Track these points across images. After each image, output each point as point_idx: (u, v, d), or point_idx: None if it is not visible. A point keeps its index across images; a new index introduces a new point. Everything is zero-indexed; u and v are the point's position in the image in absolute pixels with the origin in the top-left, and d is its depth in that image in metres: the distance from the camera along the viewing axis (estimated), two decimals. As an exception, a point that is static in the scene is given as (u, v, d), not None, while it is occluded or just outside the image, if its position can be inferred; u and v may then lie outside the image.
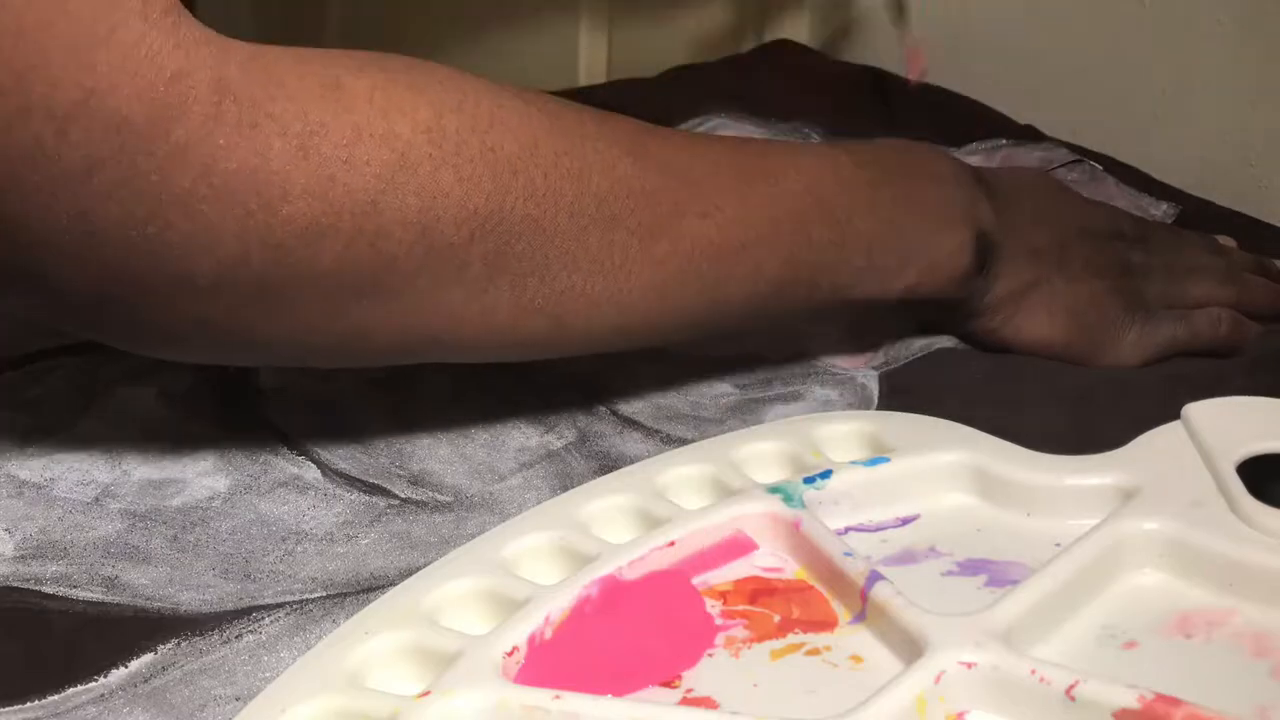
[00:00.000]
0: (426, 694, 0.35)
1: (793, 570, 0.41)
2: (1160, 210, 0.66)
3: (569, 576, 0.40)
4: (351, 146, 0.38)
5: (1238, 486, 0.42)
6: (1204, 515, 0.41)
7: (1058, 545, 0.41)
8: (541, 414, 0.50)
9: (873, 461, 0.44)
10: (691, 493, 0.44)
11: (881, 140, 0.53)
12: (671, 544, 0.41)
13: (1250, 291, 0.56)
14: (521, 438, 0.48)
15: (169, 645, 0.39)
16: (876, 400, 0.51)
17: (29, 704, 0.37)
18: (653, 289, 0.44)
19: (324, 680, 0.36)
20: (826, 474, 0.43)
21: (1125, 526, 0.41)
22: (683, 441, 0.48)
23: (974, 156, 0.71)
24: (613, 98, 0.76)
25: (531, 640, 0.37)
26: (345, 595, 0.41)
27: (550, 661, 0.37)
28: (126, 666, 0.38)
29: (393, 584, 0.40)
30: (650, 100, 0.75)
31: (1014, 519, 0.43)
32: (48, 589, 0.41)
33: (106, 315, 0.39)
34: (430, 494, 0.46)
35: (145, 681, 0.38)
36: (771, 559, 0.42)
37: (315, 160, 0.37)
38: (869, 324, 0.54)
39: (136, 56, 0.35)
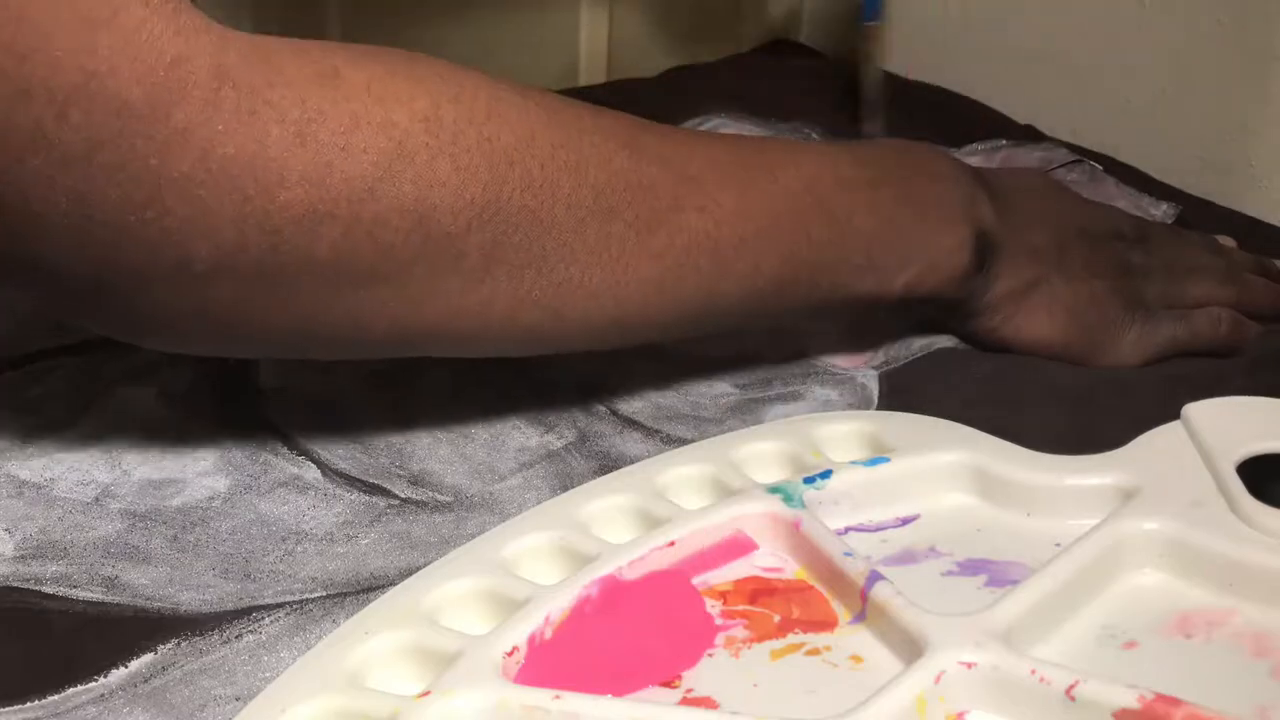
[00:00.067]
0: (426, 694, 0.35)
1: (793, 570, 0.41)
2: (1160, 210, 0.66)
3: (569, 576, 0.40)
4: (349, 134, 0.38)
5: (1238, 486, 0.42)
6: (1204, 515, 0.41)
7: (1058, 545, 0.41)
8: (541, 414, 0.50)
9: (873, 461, 0.44)
10: (691, 493, 0.44)
11: (881, 140, 0.53)
12: (671, 544, 0.41)
13: (1250, 291, 0.56)
14: (521, 438, 0.48)
15: (169, 645, 0.39)
16: (876, 400, 0.51)
17: (29, 704, 0.37)
18: (650, 282, 0.44)
19: (324, 680, 0.36)
20: (826, 474, 0.43)
21: (1125, 526, 0.41)
22: (683, 441, 0.48)
23: (974, 157, 0.71)
24: (612, 97, 0.76)
25: (531, 640, 0.37)
26: (345, 595, 0.41)
27: (550, 661, 0.37)
28: (126, 666, 0.38)
29: (393, 584, 0.40)
30: (650, 100, 0.75)
31: (1014, 519, 0.43)
32: (48, 589, 0.41)
33: (104, 303, 0.40)
34: (430, 494, 0.46)
35: (145, 681, 0.38)
36: (771, 559, 0.42)
37: (313, 147, 0.38)
38: (869, 324, 0.54)
39: (137, 41, 0.35)
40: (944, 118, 0.74)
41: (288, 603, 0.41)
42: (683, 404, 0.51)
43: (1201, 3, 0.70)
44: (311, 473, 0.46)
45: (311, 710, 0.35)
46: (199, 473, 0.46)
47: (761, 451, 0.45)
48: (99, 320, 0.41)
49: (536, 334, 0.44)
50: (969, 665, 0.36)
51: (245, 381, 0.50)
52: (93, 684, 0.38)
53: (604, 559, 0.40)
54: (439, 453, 0.48)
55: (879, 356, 0.54)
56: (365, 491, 0.46)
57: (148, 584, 0.41)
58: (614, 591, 0.40)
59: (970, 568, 0.41)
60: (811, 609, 0.40)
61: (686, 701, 0.37)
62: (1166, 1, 0.72)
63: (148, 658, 0.38)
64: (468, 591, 0.39)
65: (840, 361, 0.54)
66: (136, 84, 0.35)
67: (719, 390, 0.52)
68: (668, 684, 0.37)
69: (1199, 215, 0.66)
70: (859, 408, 0.51)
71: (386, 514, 0.45)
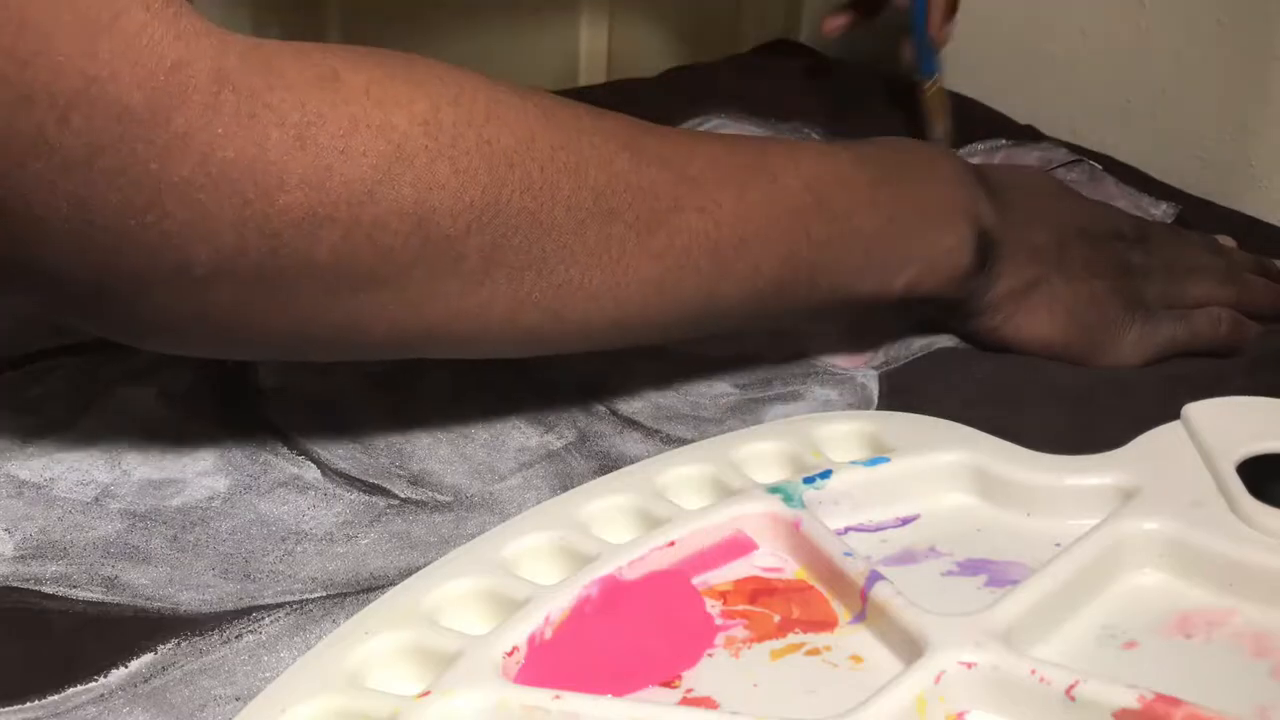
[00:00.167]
0: (426, 694, 0.35)
1: (793, 570, 0.41)
2: (1160, 210, 0.66)
3: (569, 576, 0.40)
4: (348, 137, 0.38)
5: (1238, 486, 0.42)
6: (1204, 515, 0.41)
7: (1058, 545, 0.41)
8: (541, 414, 0.50)
9: (873, 461, 0.44)
10: (691, 493, 0.44)
11: (882, 138, 0.53)
12: (671, 544, 0.41)
13: (1250, 291, 0.56)
14: (521, 438, 0.48)
15: (169, 645, 0.39)
16: (876, 400, 0.51)
17: (29, 704, 0.37)
18: (651, 283, 0.44)
19: (324, 680, 0.36)
20: (826, 474, 0.43)
21: (1125, 526, 0.41)
22: (683, 441, 0.48)
23: (974, 157, 0.71)
24: (612, 97, 0.76)
25: (531, 640, 0.37)
26: (345, 595, 0.41)
27: (550, 661, 0.37)
28: (126, 666, 0.38)
29: (393, 584, 0.40)
30: (650, 100, 0.75)
31: (1014, 519, 0.43)
32: (48, 589, 0.41)
33: (104, 307, 0.40)
34: (430, 494, 0.46)
35: (145, 681, 0.38)
36: (771, 559, 0.42)
37: (312, 150, 0.38)
38: (869, 323, 0.54)
39: (138, 45, 0.35)
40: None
41: (288, 603, 0.41)
42: (683, 404, 0.51)
43: (1201, 3, 0.70)
44: (311, 473, 0.46)
45: (311, 710, 0.35)
46: (199, 473, 0.46)
47: (761, 451, 0.45)
48: (98, 323, 0.41)
49: (536, 335, 0.44)
50: (969, 665, 0.36)
51: (245, 382, 0.50)
52: (93, 684, 0.38)
53: (604, 559, 0.40)
54: (439, 453, 0.48)
55: (879, 356, 0.54)
56: (365, 491, 0.46)
57: (148, 584, 0.41)
58: (614, 591, 0.40)
59: (970, 568, 0.41)
60: (811, 609, 0.40)
61: (686, 701, 0.37)
62: (1166, 1, 0.72)
63: (148, 658, 0.38)
64: (468, 591, 0.39)
65: (840, 361, 0.54)
66: (137, 89, 0.35)
67: (719, 390, 0.52)
68: (668, 684, 0.37)
69: (1199, 215, 0.66)
70: (859, 408, 0.51)
71: (386, 514, 0.45)
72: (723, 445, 0.46)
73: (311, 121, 0.38)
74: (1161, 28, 0.72)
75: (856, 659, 0.38)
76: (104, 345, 0.51)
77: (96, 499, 0.45)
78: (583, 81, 0.86)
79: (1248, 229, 0.64)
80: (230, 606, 0.40)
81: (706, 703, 0.36)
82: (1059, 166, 0.70)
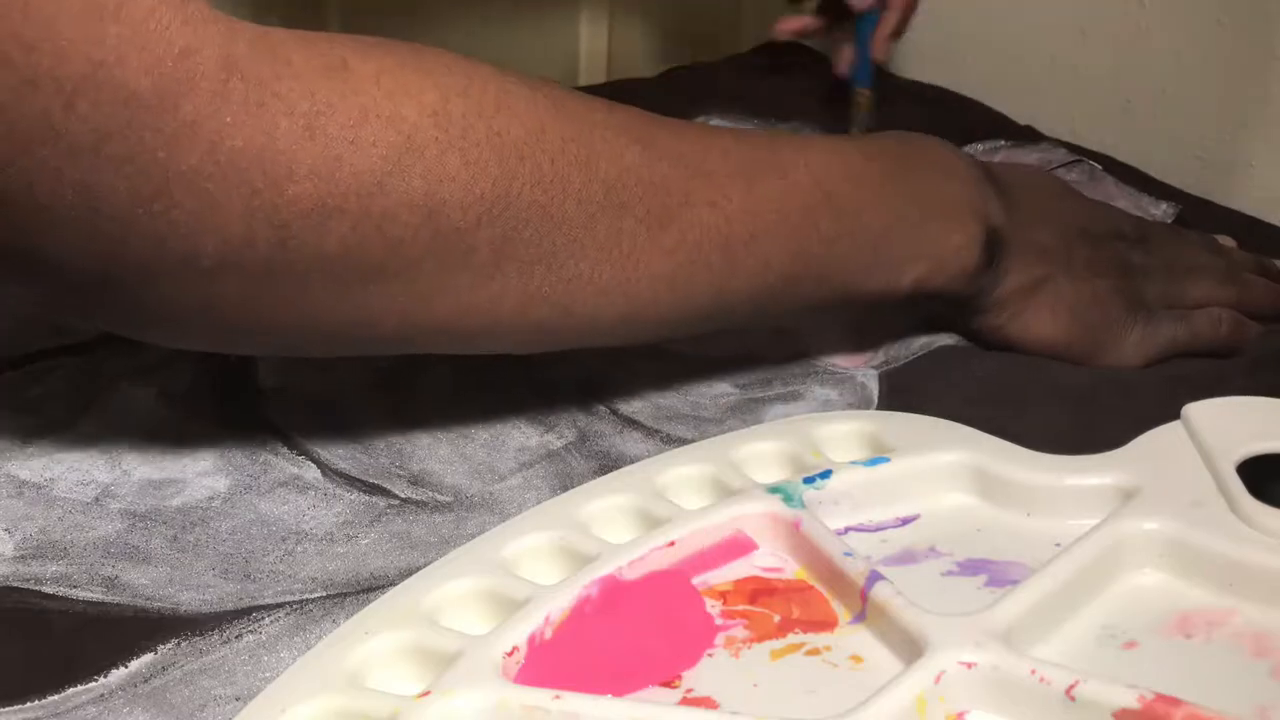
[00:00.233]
0: (426, 694, 0.35)
1: (793, 570, 0.41)
2: (1160, 210, 0.66)
3: (569, 576, 0.40)
4: (358, 127, 0.38)
5: (1238, 486, 0.42)
6: (1204, 515, 0.41)
7: (1058, 545, 0.41)
8: (541, 414, 0.50)
9: (873, 461, 0.44)
10: (691, 493, 0.44)
11: (891, 132, 0.53)
12: (671, 544, 0.41)
13: (1251, 292, 0.56)
14: (521, 437, 0.48)
15: (169, 645, 0.39)
16: (876, 400, 0.51)
17: (29, 704, 0.37)
18: (661, 278, 0.44)
19: (324, 680, 0.36)
20: (826, 474, 0.43)
21: (1125, 526, 0.41)
22: (683, 441, 0.48)
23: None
24: (612, 98, 0.76)
25: (531, 640, 0.37)
26: (345, 595, 0.41)
27: (550, 661, 0.37)
28: (126, 666, 0.38)
29: (393, 584, 0.40)
30: (650, 100, 0.74)
31: (1014, 519, 0.43)
32: (48, 589, 0.41)
33: (108, 298, 0.39)
34: (430, 494, 0.46)
35: (145, 681, 0.38)
36: (771, 559, 0.42)
37: (321, 140, 0.37)
38: (871, 321, 0.54)
39: (146, 30, 0.35)
40: (943, 117, 0.74)
41: (288, 603, 0.41)
42: (683, 404, 0.51)
43: (1201, 3, 0.70)
44: (311, 473, 0.46)
45: (311, 710, 0.35)
46: (199, 473, 0.46)
47: (761, 451, 0.45)
48: (102, 315, 0.41)
49: (546, 330, 0.43)
50: (969, 665, 0.36)
51: (245, 381, 0.50)
52: (93, 684, 0.38)
53: (604, 559, 0.40)
54: (439, 453, 0.48)
55: (879, 356, 0.54)
56: (365, 491, 0.46)
57: (148, 584, 0.41)
58: (614, 591, 0.39)
59: (970, 568, 0.41)
60: (811, 609, 0.40)
61: (686, 701, 0.37)
62: (1166, 1, 0.72)
63: (148, 658, 0.38)
64: (468, 591, 0.39)
65: (840, 361, 0.54)
66: (145, 75, 0.35)
67: (719, 390, 0.52)
68: (668, 684, 0.37)
69: (1199, 215, 0.66)
70: (859, 407, 0.51)
71: (386, 514, 0.45)
72: (723, 445, 0.46)
73: (321, 111, 0.37)
74: (1161, 28, 0.72)
75: (856, 659, 0.38)
76: (104, 344, 0.51)
77: (96, 499, 0.45)
78: (582, 81, 0.86)
79: (1248, 229, 0.64)
80: (230, 606, 0.40)
81: (706, 703, 0.36)
82: (1058, 167, 0.70)
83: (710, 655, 0.38)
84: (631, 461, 0.46)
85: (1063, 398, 0.50)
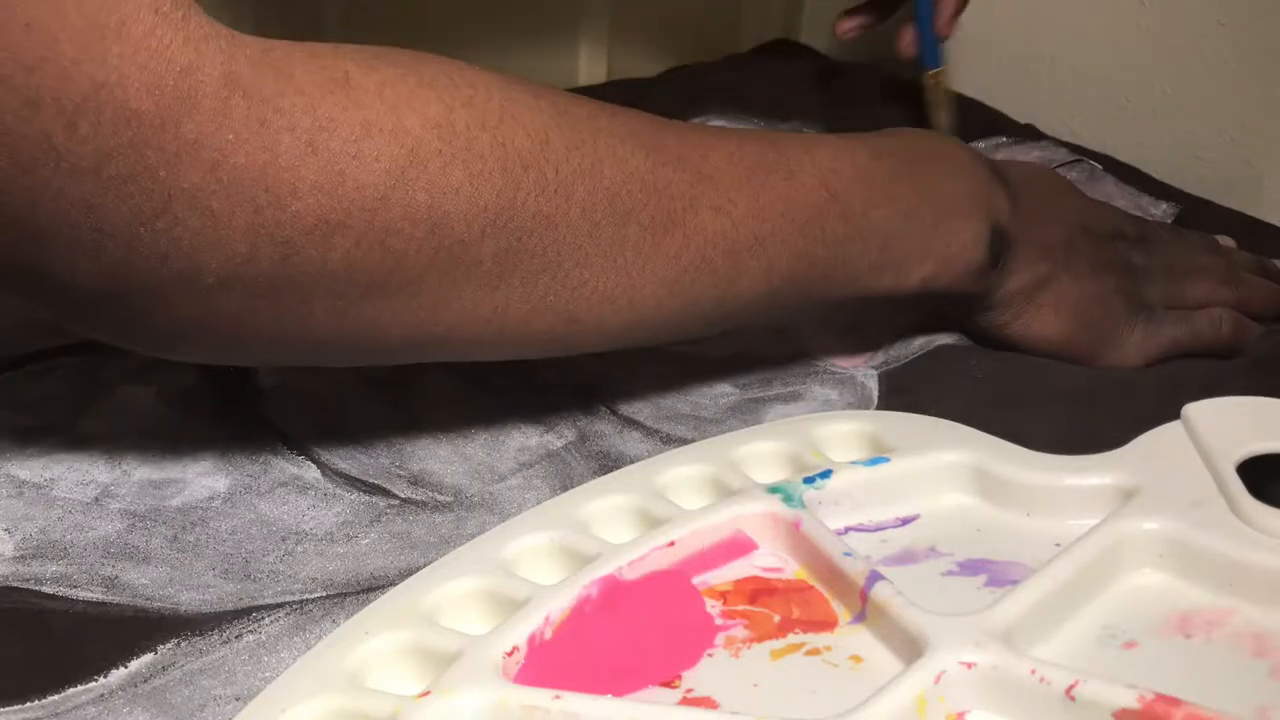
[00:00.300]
0: (426, 694, 0.35)
1: (793, 570, 0.41)
2: (1160, 210, 0.66)
3: (569, 576, 0.40)
4: (360, 142, 0.38)
5: (1238, 486, 0.42)
6: (1204, 515, 0.41)
7: (1058, 545, 0.41)
8: (541, 414, 0.50)
9: (873, 461, 0.44)
10: (691, 493, 0.44)
11: (897, 129, 0.53)
12: (671, 544, 0.41)
13: (1251, 291, 0.56)
14: (521, 437, 0.48)
15: (169, 645, 0.39)
16: (876, 400, 0.51)
17: (29, 704, 0.37)
18: (666, 284, 0.44)
19: (324, 680, 0.36)
20: (826, 474, 0.43)
21: (1125, 526, 0.41)
22: (683, 441, 0.48)
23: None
24: (612, 98, 0.76)
25: (531, 640, 0.37)
26: (345, 595, 0.41)
27: (550, 661, 0.37)
28: (126, 666, 0.38)
29: (393, 584, 0.40)
30: (650, 100, 0.75)
31: (1014, 519, 0.43)
32: (48, 589, 0.41)
33: (112, 313, 0.39)
34: (430, 494, 0.46)
35: (145, 681, 0.38)
36: (771, 559, 0.42)
37: (324, 156, 0.37)
38: (872, 319, 0.54)
39: (147, 49, 0.35)
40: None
41: (288, 603, 0.41)
42: (683, 404, 0.51)
43: (1201, 3, 0.70)
44: (311, 473, 0.46)
45: (311, 710, 0.35)
46: (199, 473, 0.46)
47: (761, 451, 0.45)
48: (104, 329, 0.41)
49: (551, 338, 0.43)
50: (969, 665, 0.36)
51: (245, 381, 0.50)
52: (93, 684, 0.38)
53: (604, 559, 0.40)
54: (439, 453, 0.48)
55: (879, 356, 0.54)
56: (365, 491, 0.46)
57: (148, 584, 0.41)
58: (614, 591, 0.39)
59: (970, 568, 0.41)
60: (811, 609, 0.40)
61: (686, 701, 0.37)
62: (1166, 1, 0.72)
63: (148, 658, 0.38)
64: (468, 591, 0.39)
65: (840, 361, 0.54)
66: (146, 94, 0.35)
67: (719, 390, 0.52)
68: (668, 684, 0.37)
69: (1199, 215, 0.66)
70: (859, 407, 0.51)
71: (386, 514, 0.45)
72: (723, 445, 0.46)
73: (323, 126, 0.37)
74: (1161, 28, 0.72)
75: (856, 659, 0.38)
76: (104, 345, 0.51)
77: (96, 499, 0.45)
78: (582, 81, 0.86)
79: (1248, 229, 0.64)
80: (230, 606, 0.40)
81: (706, 703, 0.36)
82: (1059, 166, 0.70)
83: (710, 655, 0.38)
84: (631, 461, 0.46)
85: (1063, 398, 0.50)
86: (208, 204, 0.36)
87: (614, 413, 0.50)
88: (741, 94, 0.77)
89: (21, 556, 0.42)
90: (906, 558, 0.42)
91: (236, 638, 0.39)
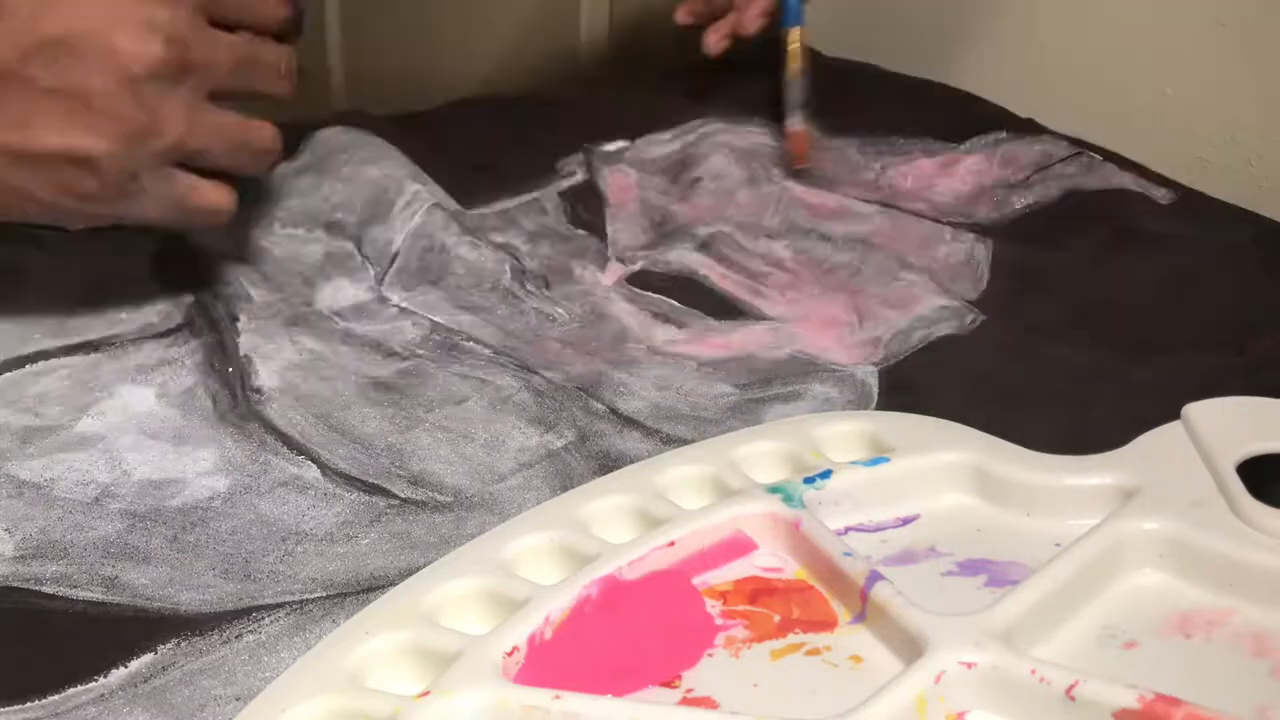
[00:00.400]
0: (426, 694, 0.35)
1: (793, 570, 0.41)
2: (1161, 193, 0.66)
3: (569, 576, 0.40)
4: None
5: (1238, 486, 0.42)
6: (1204, 515, 0.41)
7: (1058, 545, 0.41)
8: (541, 414, 0.50)
9: (873, 461, 0.44)
10: (691, 493, 0.44)
11: None
12: (671, 544, 0.41)
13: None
14: (521, 438, 0.48)
15: (169, 645, 0.39)
16: (876, 397, 0.51)
17: (29, 704, 0.37)
18: None
19: (324, 680, 0.36)
20: (826, 474, 0.43)
21: (1125, 526, 0.41)
22: (683, 441, 0.48)
23: (974, 151, 0.71)
24: (612, 98, 0.76)
25: (531, 640, 0.37)
26: (345, 595, 0.41)
27: (550, 661, 0.37)
28: (126, 666, 0.38)
29: (393, 584, 0.40)
30: (649, 101, 0.75)
31: (1014, 519, 0.43)
32: (48, 589, 0.41)
33: None
34: (430, 494, 0.46)
35: (145, 681, 0.38)
36: (771, 559, 0.42)
37: None
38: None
39: None
40: (944, 113, 0.74)
41: (288, 603, 0.41)
42: (683, 404, 0.51)
43: (1201, 3, 0.70)
44: (311, 473, 0.46)
45: (311, 710, 0.35)
46: (199, 473, 0.46)
47: (761, 451, 0.45)
48: None
49: None
50: (969, 665, 0.36)
51: (245, 382, 0.50)
52: (93, 684, 0.38)
53: (604, 559, 0.40)
54: (439, 453, 0.48)
55: (879, 352, 0.54)
56: (365, 491, 0.46)
57: (148, 584, 0.41)
58: (614, 591, 0.40)
59: (970, 568, 0.41)
60: (811, 609, 0.40)
61: (686, 701, 0.37)
62: (1167, 1, 0.72)
63: (148, 658, 0.38)
64: (468, 591, 0.39)
65: (840, 358, 0.53)
66: None
67: (719, 390, 0.52)
68: (668, 684, 0.37)
69: (1199, 212, 0.66)
70: (859, 405, 0.51)
71: (386, 514, 0.45)
72: (723, 445, 0.46)
73: None
74: (1161, 28, 0.72)
75: (856, 659, 0.38)
76: (104, 345, 0.51)
77: (96, 499, 0.45)
78: (584, 33, 0.86)
79: (1248, 229, 0.64)
80: (230, 606, 0.40)
81: (706, 703, 0.36)
82: (1059, 159, 0.69)
83: (710, 655, 0.38)
84: (631, 461, 0.46)
85: (1063, 398, 0.50)
86: None
87: (614, 413, 0.50)
88: (741, 94, 0.77)
89: (21, 556, 0.42)
90: (906, 558, 0.42)
91: (236, 638, 0.39)
